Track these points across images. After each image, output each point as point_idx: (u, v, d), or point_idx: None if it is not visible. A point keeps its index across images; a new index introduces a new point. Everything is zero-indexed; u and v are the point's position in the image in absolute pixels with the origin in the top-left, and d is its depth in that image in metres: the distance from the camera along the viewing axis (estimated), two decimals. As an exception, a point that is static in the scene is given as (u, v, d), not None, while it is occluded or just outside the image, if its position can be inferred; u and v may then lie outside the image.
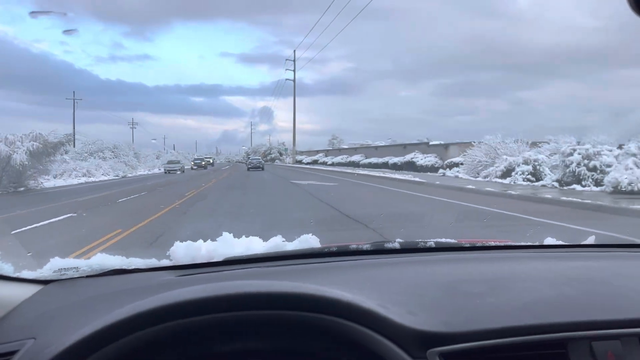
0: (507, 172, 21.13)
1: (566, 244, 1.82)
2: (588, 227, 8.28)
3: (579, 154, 17.88)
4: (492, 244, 1.80)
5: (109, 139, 50.37)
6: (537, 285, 1.28)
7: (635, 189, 14.00)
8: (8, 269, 1.37)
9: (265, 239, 1.78)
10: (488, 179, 22.14)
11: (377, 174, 31.68)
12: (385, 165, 44.75)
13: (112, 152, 48.03)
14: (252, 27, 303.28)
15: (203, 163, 62.70)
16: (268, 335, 0.96)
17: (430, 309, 1.11)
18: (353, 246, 1.68)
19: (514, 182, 19.72)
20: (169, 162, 50.57)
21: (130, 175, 41.63)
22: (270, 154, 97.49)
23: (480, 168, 24.30)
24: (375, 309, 1.00)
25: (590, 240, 1.89)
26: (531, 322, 1.07)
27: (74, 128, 51.46)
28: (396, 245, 1.68)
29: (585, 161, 17.68)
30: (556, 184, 18.32)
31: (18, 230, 8.64)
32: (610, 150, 18.08)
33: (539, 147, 23.08)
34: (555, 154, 20.30)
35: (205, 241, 1.69)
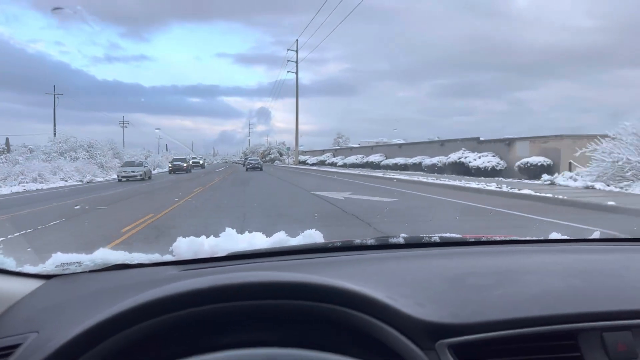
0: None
1: (571, 238, 1.82)
2: None
3: None
4: (497, 238, 1.81)
5: (105, 140, 44.59)
6: (545, 277, 1.27)
7: None
8: (10, 264, 1.38)
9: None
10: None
11: (426, 179, 22.80)
12: (417, 167, 35.58)
13: (87, 151, 41.05)
14: (249, 27, 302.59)
15: (185, 165, 43.87)
16: (276, 325, 0.95)
17: (437, 301, 1.10)
18: (357, 241, 1.69)
19: None
20: (126, 164, 34.12)
21: (98, 179, 34.04)
22: (269, 154, 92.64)
23: (626, 171, 15.40)
24: (384, 299, 0.99)
25: (596, 235, 1.90)
26: (541, 314, 1.06)
27: (54, 125, 48.41)
28: (400, 240, 1.68)
29: None
30: None
31: None
32: None
33: None
34: None
35: (207, 237, 1.70)
